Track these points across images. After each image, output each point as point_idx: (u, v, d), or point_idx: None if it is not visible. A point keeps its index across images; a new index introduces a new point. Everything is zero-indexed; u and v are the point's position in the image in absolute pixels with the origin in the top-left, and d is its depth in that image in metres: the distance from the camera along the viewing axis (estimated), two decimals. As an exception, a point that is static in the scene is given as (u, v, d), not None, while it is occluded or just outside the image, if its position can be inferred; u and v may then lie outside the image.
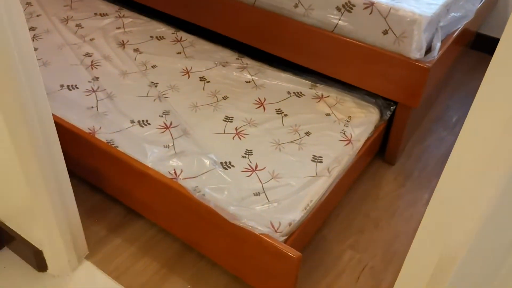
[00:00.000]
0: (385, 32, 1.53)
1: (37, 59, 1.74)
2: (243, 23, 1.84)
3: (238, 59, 1.87)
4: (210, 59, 1.86)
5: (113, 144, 1.41)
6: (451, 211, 0.66)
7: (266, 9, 1.75)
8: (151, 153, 1.38)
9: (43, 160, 1.09)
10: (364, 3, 1.54)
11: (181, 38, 1.98)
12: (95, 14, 2.09)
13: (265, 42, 1.83)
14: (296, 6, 1.67)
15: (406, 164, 1.79)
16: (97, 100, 1.60)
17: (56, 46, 1.86)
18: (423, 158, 1.82)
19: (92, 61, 1.79)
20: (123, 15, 2.10)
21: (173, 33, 2.00)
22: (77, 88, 1.65)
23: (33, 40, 1.88)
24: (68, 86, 1.65)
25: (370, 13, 1.54)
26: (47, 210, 1.16)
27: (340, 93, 1.72)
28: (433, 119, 2.01)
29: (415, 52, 1.49)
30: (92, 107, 1.56)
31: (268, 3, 1.73)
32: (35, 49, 1.83)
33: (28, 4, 2.13)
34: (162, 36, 1.98)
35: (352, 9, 1.57)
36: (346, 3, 1.57)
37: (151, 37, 1.97)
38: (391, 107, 1.68)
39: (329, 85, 1.75)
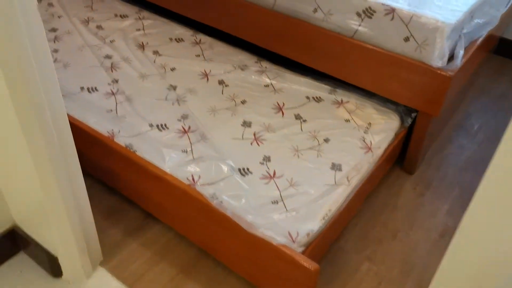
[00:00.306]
0: (407, 39, 1.51)
1: (58, 61, 1.78)
2: (262, 27, 1.83)
3: (257, 62, 1.86)
4: (228, 62, 1.85)
5: (131, 148, 1.41)
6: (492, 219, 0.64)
7: (284, 14, 1.74)
8: (169, 158, 1.38)
9: (57, 164, 1.09)
10: (385, 9, 1.51)
11: (200, 41, 1.97)
12: (115, 15, 2.11)
13: (284, 46, 1.81)
14: (315, 11, 1.66)
15: (425, 173, 1.76)
16: (116, 103, 1.60)
17: (77, 47, 1.88)
18: (443, 167, 1.79)
19: (112, 63, 1.80)
20: (143, 17, 2.11)
21: (192, 35, 2.01)
22: (97, 90, 1.66)
23: (54, 42, 1.90)
24: (88, 88, 1.67)
25: (391, 19, 1.51)
26: (61, 215, 1.17)
27: (360, 99, 1.70)
28: (454, 127, 1.98)
29: (437, 60, 1.46)
30: (111, 110, 1.57)
31: (287, 8, 1.72)
32: (56, 51, 1.85)
33: (50, 5, 2.16)
34: (181, 38, 1.98)
35: (372, 15, 1.55)
36: (366, 8, 1.55)
37: (170, 39, 1.98)
38: (412, 114, 1.66)
39: (348, 90, 1.74)
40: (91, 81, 1.70)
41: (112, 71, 1.77)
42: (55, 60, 1.80)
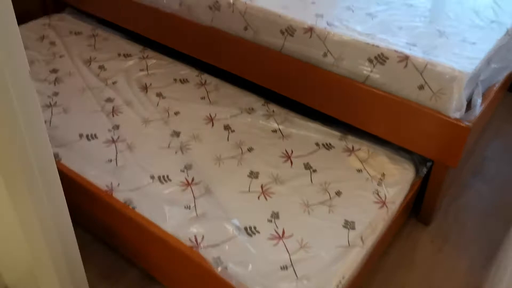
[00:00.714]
0: (421, 87, 1.44)
1: (58, 105, 1.72)
2: (269, 69, 1.77)
3: (264, 105, 1.80)
4: (235, 105, 1.79)
5: (131, 204, 1.33)
6: None
7: (293, 57, 1.68)
8: (171, 215, 1.30)
9: (49, 234, 1.00)
10: (398, 56, 1.45)
11: (205, 82, 1.91)
12: (119, 54, 2.06)
13: (292, 90, 1.75)
14: (325, 55, 1.59)
15: (443, 224, 1.66)
16: (116, 152, 1.53)
17: (78, 90, 1.82)
18: (461, 217, 1.69)
19: (113, 107, 1.74)
20: (147, 56, 2.06)
21: (197, 76, 1.95)
22: (97, 138, 1.59)
23: (54, 84, 1.85)
24: (87, 135, 1.60)
25: (405, 67, 1.44)
26: (52, 282, 1.08)
27: (372, 146, 1.62)
28: (470, 172, 1.89)
29: (455, 111, 1.38)
30: (111, 160, 1.50)
31: (295, 51, 1.66)
32: (56, 94, 1.79)
33: (52, 44, 2.11)
34: (186, 79, 1.93)
35: (385, 61, 1.48)
36: (378, 55, 1.48)
37: (175, 80, 1.92)
38: (428, 163, 1.57)
39: (359, 137, 1.66)
40: (91, 127, 1.63)
41: (113, 115, 1.70)
42: (54, 104, 1.74)
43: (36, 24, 2.24)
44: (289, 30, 1.64)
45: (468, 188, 1.82)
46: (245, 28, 1.75)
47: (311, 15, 1.66)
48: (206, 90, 1.87)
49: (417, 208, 1.66)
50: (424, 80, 1.42)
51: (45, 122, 1.63)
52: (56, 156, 1.51)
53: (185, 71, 1.97)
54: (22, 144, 0.89)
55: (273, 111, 1.76)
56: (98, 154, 1.52)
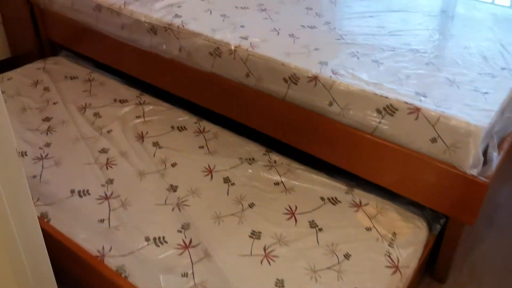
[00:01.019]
0: (434, 140, 1.35)
1: (49, 157, 1.63)
2: (272, 117, 1.69)
3: (265, 154, 1.71)
4: (235, 154, 1.70)
5: (123, 273, 1.23)
6: None
7: (297, 104, 1.60)
8: (166, 284, 1.20)
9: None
10: (409, 108, 1.37)
11: (204, 129, 1.83)
12: (115, 100, 1.99)
13: (295, 138, 1.67)
14: (330, 104, 1.52)
15: (459, 280, 1.55)
16: (109, 210, 1.44)
17: (71, 140, 1.74)
18: (478, 271, 1.59)
19: (107, 159, 1.65)
20: (144, 101, 1.98)
21: (195, 123, 1.87)
22: (89, 194, 1.50)
23: (46, 134, 1.77)
24: (79, 191, 1.51)
25: (416, 119, 1.36)
26: None
27: (381, 200, 1.52)
28: (485, 222, 1.79)
29: (472, 168, 1.29)
30: (103, 220, 1.40)
31: (299, 99, 1.59)
32: (48, 145, 1.71)
33: (46, 89, 2.05)
34: (184, 126, 1.85)
35: (394, 112, 1.40)
36: (387, 106, 1.41)
37: (172, 127, 1.84)
38: (441, 220, 1.47)
39: (367, 189, 1.56)
40: (84, 182, 1.54)
41: (107, 168, 1.61)
42: (46, 156, 1.65)
43: (30, 69, 2.18)
44: (292, 78, 1.57)
45: (483, 239, 1.71)
46: (247, 75, 1.68)
47: (315, 62, 1.59)
48: (204, 138, 1.79)
49: (431, 263, 1.55)
50: (437, 133, 1.34)
51: (35, 177, 1.56)
52: (45, 216, 1.41)
53: (183, 117, 1.90)
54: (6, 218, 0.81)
55: (275, 161, 1.68)
56: (90, 213, 1.42)
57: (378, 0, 2.23)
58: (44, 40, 2.37)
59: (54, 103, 1.95)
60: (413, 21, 1.98)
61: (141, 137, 1.77)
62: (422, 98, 1.40)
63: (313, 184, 1.58)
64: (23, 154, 1.66)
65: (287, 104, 1.62)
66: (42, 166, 1.60)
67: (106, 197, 1.49)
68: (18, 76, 2.11)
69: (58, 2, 2.16)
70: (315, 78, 1.52)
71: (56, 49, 2.40)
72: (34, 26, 2.35)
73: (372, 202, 1.51)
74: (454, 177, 1.33)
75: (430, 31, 1.90)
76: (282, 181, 1.59)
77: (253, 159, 1.68)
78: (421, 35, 1.85)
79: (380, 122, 1.43)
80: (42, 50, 2.42)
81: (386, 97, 1.41)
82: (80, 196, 1.49)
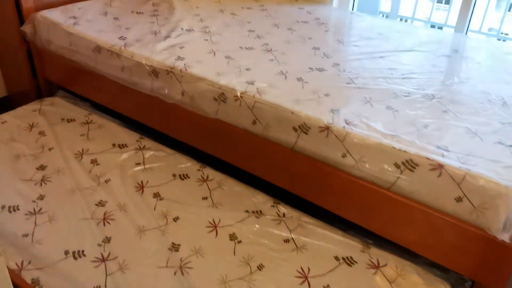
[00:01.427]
0: (459, 199, 1.25)
1: (43, 212, 1.52)
2: (280, 167, 1.59)
3: (274, 206, 1.60)
4: (241, 206, 1.59)
5: None
6: None
7: (307, 155, 1.51)
8: None
9: None
10: (431, 164, 1.27)
11: (207, 177, 1.73)
12: (114, 145, 1.88)
13: (306, 190, 1.56)
14: (344, 156, 1.42)
15: None
16: (106, 275, 1.32)
17: (66, 192, 1.63)
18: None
19: (105, 213, 1.54)
20: (144, 146, 1.88)
21: (198, 170, 1.76)
22: (84, 255, 1.38)
23: (40, 185, 1.66)
24: (73, 253, 1.39)
25: (439, 176, 1.27)
26: None
27: (400, 260, 1.41)
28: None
29: (503, 234, 1.19)
30: (99, 287, 1.28)
31: (309, 150, 1.49)
32: (42, 197, 1.60)
33: (41, 133, 1.95)
34: (187, 174, 1.74)
35: (414, 168, 1.30)
36: (407, 160, 1.31)
37: (174, 175, 1.73)
38: (466, 283, 1.36)
39: (384, 247, 1.45)
40: (79, 241, 1.43)
41: (104, 224, 1.50)
42: (39, 211, 1.54)
43: (25, 111, 2.09)
44: (303, 128, 1.48)
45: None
46: (254, 122, 1.59)
47: (326, 110, 1.50)
48: (208, 187, 1.68)
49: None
50: (463, 192, 1.23)
51: (27, 236, 1.45)
52: (37, 282, 1.29)
53: (185, 164, 1.79)
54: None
55: (284, 214, 1.57)
56: (84, 280, 1.30)
57: (386, 38, 2.17)
58: (41, 79, 2.29)
59: (49, 149, 1.85)
60: (426, 63, 1.91)
61: (141, 187, 1.66)
62: (445, 153, 1.30)
63: (326, 242, 1.47)
64: (15, 208, 1.54)
65: (297, 154, 1.53)
66: (35, 223, 1.49)
67: (103, 259, 1.37)
68: (13, 119, 2.02)
69: (55, 42, 2.09)
70: (327, 128, 1.43)
71: (53, 89, 2.32)
72: (31, 65, 2.27)
73: (390, 262, 1.40)
74: (481, 240, 1.23)
75: (444, 73, 1.82)
76: (292, 238, 1.48)
77: (260, 211, 1.58)
78: (435, 78, 1.77)
79: (398, 178, 1.33)
80: (39, 90, 2.33)
81: (405, 151, 1.31)
82: (75, 258, 1.38)
